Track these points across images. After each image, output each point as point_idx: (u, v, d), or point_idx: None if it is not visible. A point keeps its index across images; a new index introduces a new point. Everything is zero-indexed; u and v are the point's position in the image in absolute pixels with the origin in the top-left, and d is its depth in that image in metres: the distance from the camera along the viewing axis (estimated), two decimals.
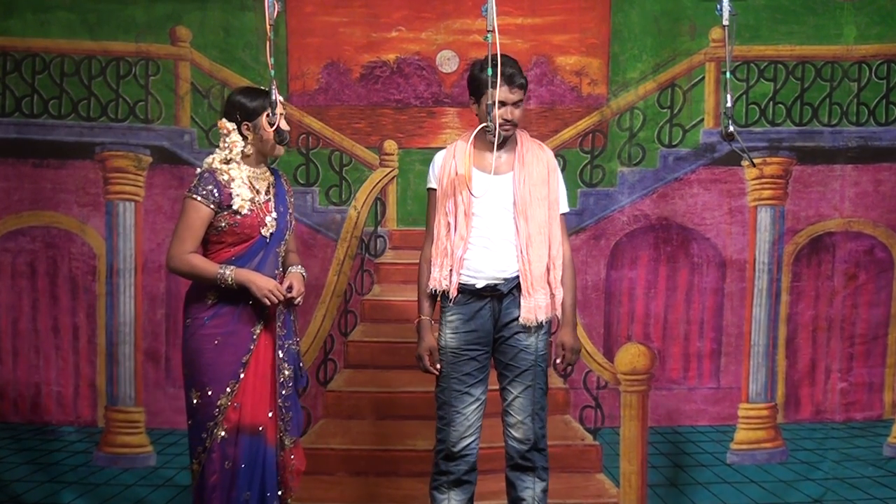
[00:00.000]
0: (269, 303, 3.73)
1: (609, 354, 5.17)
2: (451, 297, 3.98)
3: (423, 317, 4.06)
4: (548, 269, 3.96)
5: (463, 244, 3.97)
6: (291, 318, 3.89)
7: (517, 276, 3.96)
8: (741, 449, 5.20)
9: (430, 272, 4.03)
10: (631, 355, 5.17)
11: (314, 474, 5.03)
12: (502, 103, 3.86)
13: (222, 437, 3.73)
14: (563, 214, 4.09)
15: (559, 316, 4.04)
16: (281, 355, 3.82)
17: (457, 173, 4.01)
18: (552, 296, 3.98)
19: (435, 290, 4.02)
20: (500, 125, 3.83)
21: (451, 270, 3.99)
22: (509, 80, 3.86)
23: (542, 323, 3.97)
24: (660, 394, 5.18)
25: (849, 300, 5.19)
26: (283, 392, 3.83)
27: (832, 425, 5.22)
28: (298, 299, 3.86)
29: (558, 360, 4.05)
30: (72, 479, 5.04)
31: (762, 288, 5.16)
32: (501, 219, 3.97)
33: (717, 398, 5.20)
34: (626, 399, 5.16)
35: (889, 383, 5.22)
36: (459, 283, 3.99)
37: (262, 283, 3.72)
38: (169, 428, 5.08)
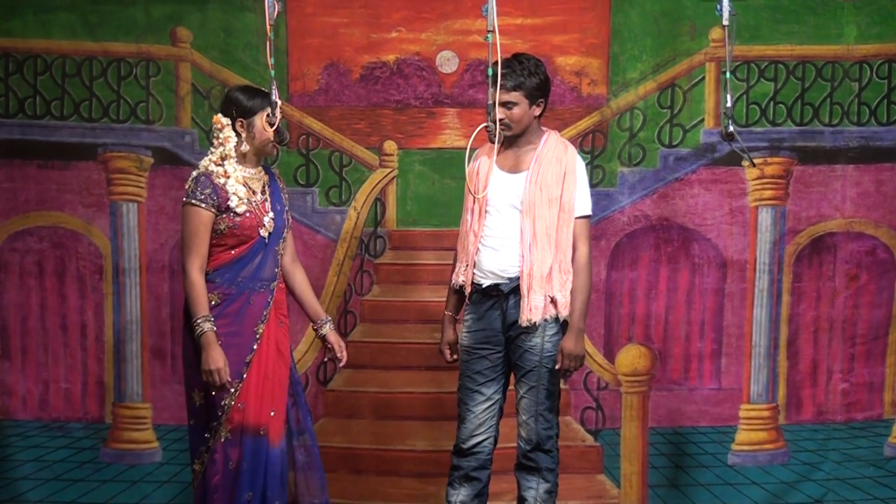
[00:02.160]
0: (205, 378, 3.77)
1: (610, 355, 5.22)
2: (466, 292, 4.09)
3: (445, 312, 4.22)
4: (552, 271, 3.97)
5: (475, 240, 4.05)
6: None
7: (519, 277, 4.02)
8: (742, 450, 5.24)
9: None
10: (632, 356, 5.21)
11: None
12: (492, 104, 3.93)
13: (226, 437, 3.80)
14: (584, 217, 4.06)
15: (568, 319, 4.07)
16: None
17: (477, 173, 4.09)
18: (555, 298, 3.98)
19: (455, 286, 4.15)
20: (486, 125, 3.93)
21: (466, 266, 4.09)
22: (494, 82, 3.88)
23: (535, 324, 3.99)
24: (660, 395, 5.22)
25: (850, 301, 5.21)
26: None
27: (833, 426, 5.25)
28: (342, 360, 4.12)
29: (557, 366, 4.08)
30: (78, 475, 5.17)
31: (763, 288, 5.18)
32: (512, 218, 4.02)
33: (719, 399, 5.24)
34: (626, 400, 5.21)
35: (889, 383, 5.23)
36: (472, 282, 4.08)
37: (213, 362, 3.75)
38: (175, 424, 5.16)
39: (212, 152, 3.87)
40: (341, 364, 4.13)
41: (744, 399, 5.24)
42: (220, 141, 3.85)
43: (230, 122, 3.85)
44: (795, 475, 5.21)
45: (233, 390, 3.80)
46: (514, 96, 3.95)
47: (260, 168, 3.94)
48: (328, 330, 4.10)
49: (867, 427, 5.26)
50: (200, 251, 3.79)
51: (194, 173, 3.85)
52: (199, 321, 3.77)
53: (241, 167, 3.86)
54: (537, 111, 4.03)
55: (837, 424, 5.25)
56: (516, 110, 3.96)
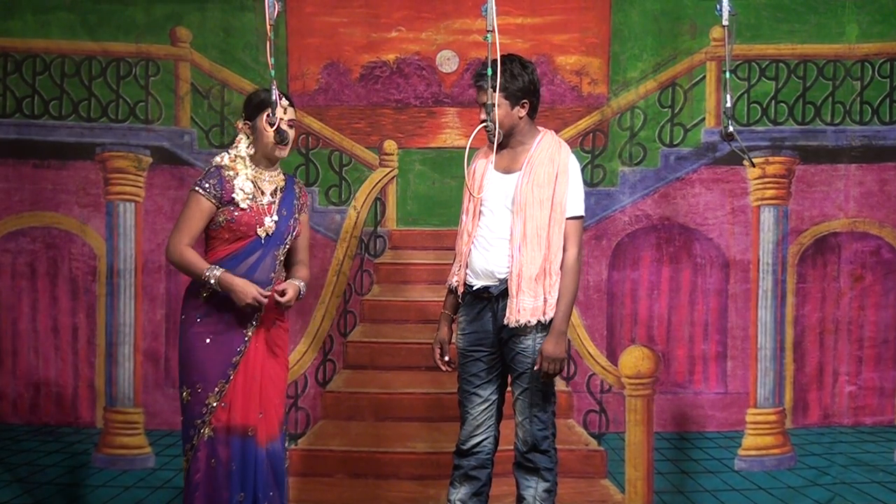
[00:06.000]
0: (251, 310, 3.93)
1: (612, 357, 5.34)
2: (458, 293, 4.23)
3: (443, 310, 4.35)
4: (542, 273, 4.07)
5: (469, 240, 4.20)
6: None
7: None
8: (749, 455, 5.35)
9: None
10: (635, 358, 5.34)
11: (313, 475, 5.27)
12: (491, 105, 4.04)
13: (209, 435, 3.94)
14: (576, 218, 4.13)
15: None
16: None
17: (474, 173, 4.24)
18: (544, 300, 4.08)
19: (450, 286, 4.29)
20: (485, 125, 4.03)
21: (459, 267, 4.24)
22: (478, 81, 4.10)
23: (525, 325, 4.08)
24: (665, 398, 5.34)
25: (856, 302, 5.34)
26: None
27: (840, 429, 5.36)
28: (286, 304, 4.05)
29: (535, 368, 4.11)
30: (70, 480, 5.25)
31: (767, 289, 5.32)
32: (504, 218, 4.15)
33: (725, 404, 5.36)
34: (630, 403, 5.34)
35: None
36: (465, 283, 4.21)
37: (242, 294, 3.89)
38: (168, 429, 5.26)
39: (229, 151, 4.09)
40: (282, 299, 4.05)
41: (750, 403, 5.35)
42: (235, 143, 4.08)
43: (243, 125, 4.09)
44: (802, 480, 5.32)
45: (217, 389, 3.94)
46: (497, 96, 4.00)
47: (278, 172, 4.12)
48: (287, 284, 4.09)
49: (877, 432, 5.38)
50: (190, 232, 3.98)
51: (208, 166, 4.08)
52: (206, 274, 3.90)
53: (252, 166, 4.04)
54: (522, 112, 4.15)
55: (844, 428, 5.37)
56: (499, 111, 4.05)
